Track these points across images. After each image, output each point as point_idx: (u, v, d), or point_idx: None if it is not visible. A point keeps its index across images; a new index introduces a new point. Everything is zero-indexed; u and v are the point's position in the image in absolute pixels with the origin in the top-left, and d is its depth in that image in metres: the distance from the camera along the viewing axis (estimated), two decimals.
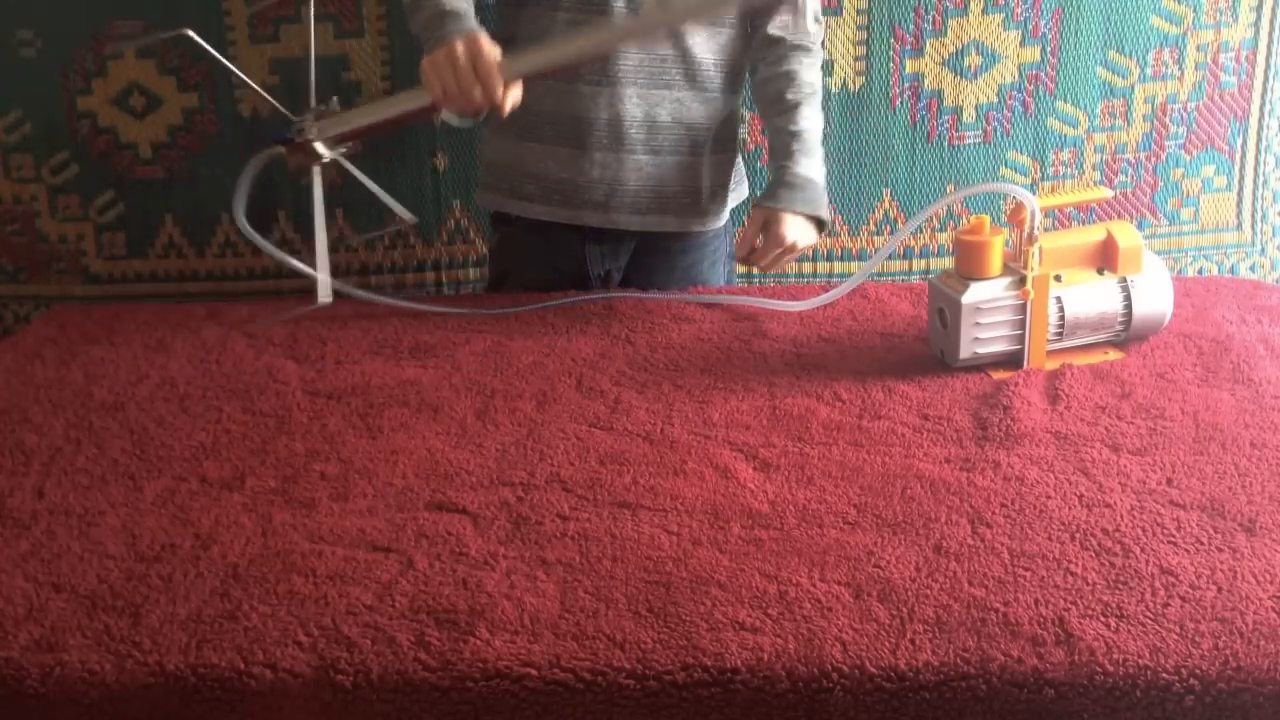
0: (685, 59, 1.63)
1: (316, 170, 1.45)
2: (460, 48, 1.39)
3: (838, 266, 2.09)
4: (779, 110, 1.67)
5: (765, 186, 1.67)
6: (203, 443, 1.31)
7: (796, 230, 1.61)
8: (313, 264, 1.48)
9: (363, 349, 1.52)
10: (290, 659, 0.96)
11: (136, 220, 2.06)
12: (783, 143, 1.66)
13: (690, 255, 1.76)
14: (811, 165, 1.64)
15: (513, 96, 1.41)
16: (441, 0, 1.50)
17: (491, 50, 1.39)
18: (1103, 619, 0.95)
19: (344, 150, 1.45)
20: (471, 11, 1.51)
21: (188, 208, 2.06)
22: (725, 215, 1.78)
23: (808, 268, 2.09)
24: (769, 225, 1.60)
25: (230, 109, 2.00)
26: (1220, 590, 0.98)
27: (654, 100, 1.63)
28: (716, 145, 1.71)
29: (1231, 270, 2.15)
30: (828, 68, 1.98)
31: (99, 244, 2.07)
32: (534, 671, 0.93)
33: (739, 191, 1.82)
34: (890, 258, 2.08)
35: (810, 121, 1.66)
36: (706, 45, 1.64)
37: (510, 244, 1.78)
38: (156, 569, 1.08)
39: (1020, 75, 1.99)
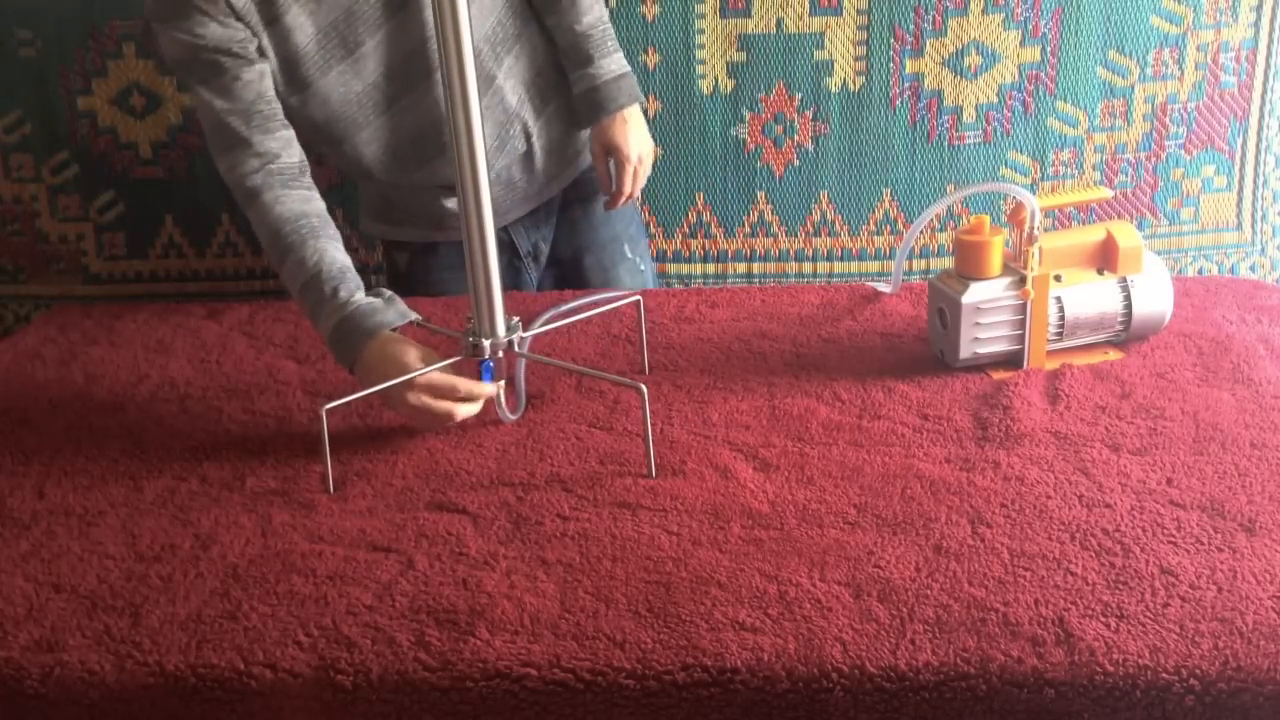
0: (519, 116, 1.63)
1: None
2: (411, 402, 1.26)
3: (838, 266, 2.09)
4: (554, 10, 1.59)
5: (577, 101, 1.61)
6: (203, 443, 1.31)
7: (638, 135, 1.61)
8: None
9: None
10: (290, 659, 0.96)
11: (136, 220, 2.06)
12: (571, 44, 1.60)
13: (599, 193, 1.75)
14: (614, 60, 1.61)
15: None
16: (346, 303, 1.33)
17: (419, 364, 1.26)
18: (1103, 619, 0.95)
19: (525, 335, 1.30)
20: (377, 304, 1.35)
21: (188, 208, 2.06)
22: None
23: (808, 268, 2.09)
24: (614, 149, 1.60)
25: None
26: (1220, 590, 0.98)
27: (516, 105, 1.62)
28: (561, 82, 1.67)
29: (1231, 270, 2.15)
30: (828, 68, 1.98)
31: (99, 244, 2.07)
32: (534, 671, 0.93)
33: None
34: (889, 257, 2.08)
35: (594, 15, 1.60)
36: (517, 72, 1.62)
37: (427, 258, 1.74)
38: (156, 569, 1.08)
39: (1020, 75, 1.99)
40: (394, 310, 1.34)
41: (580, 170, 1.74)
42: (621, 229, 1.79)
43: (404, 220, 1.72)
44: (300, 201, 1.42)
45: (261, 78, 1.44)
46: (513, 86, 1.60)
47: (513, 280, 1.74)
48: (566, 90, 1.66)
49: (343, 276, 1.36)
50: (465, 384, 1.27)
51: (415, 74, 1.53)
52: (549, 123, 1.66)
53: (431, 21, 1.46)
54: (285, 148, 1.44)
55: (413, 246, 1.75)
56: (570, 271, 1.77)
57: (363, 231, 1.85)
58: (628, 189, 1.63)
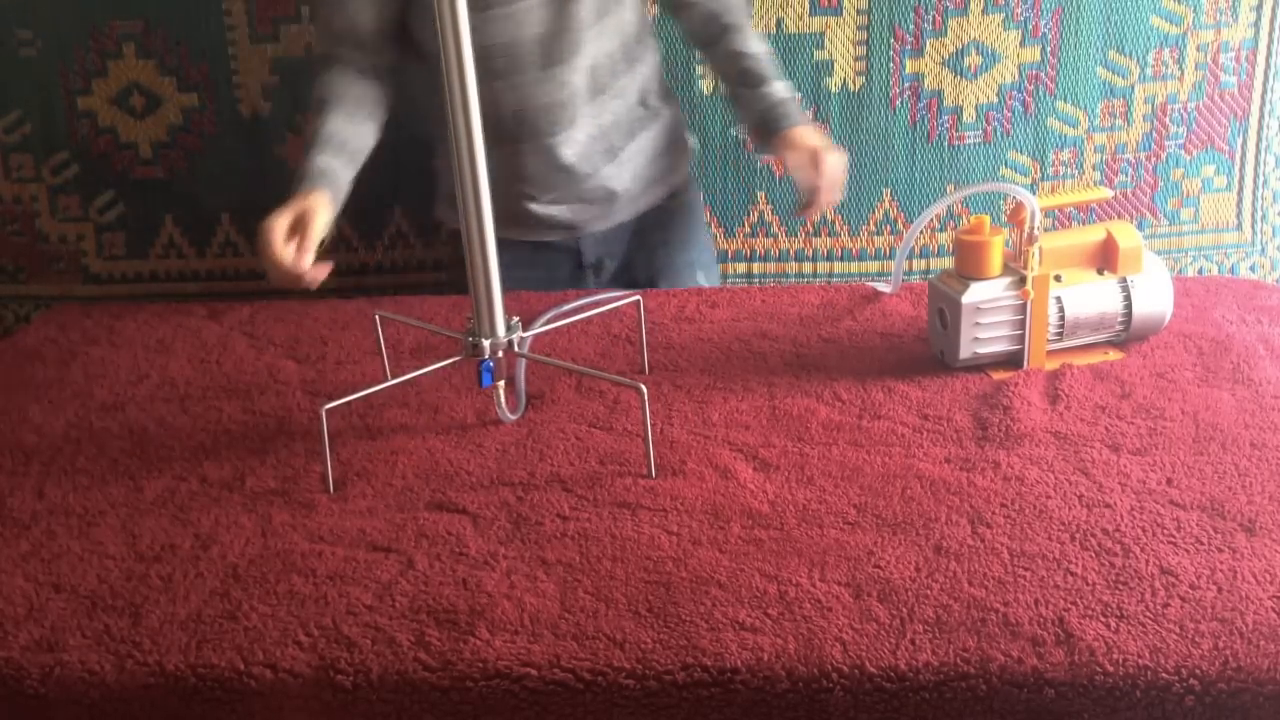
0: (630, 60, 1.67)
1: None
2: (265, 232, 1.41)
3: (838, 266, 2.09)
4: (724, 37, 1.68)
5: (758, 120, 1.66)
6: (203, 443, 1.31)
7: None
8: None
9: (363, 349, 1.52)
10: (290, 659, 0.96)
11: (136, 220, 2.07)
12: (744, 69, 1.66)
13: (682, 220, 1.81)
14: (784, 83, 1.67)
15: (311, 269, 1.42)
16: (308, 158, 1.51)
17: (279, 243, 1.40)
18: (1103, 619, 0.95)
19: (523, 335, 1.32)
20: (333, 170, 1.51)
21: (188, 208, 2.06)
22: (695, 146, 1.84)
23: (808, 268, 2.09)
24: (819, 149, 1.58)
25: (230, 109, 2.00)
26: (1220, 590, 0.98)
27: (615, 116, 1.67)
28: (665, 99, 1.77)
29: (1231, 270, 2.15)
30: (828, 68, 1.98)
31: (99, 244, 2.07)
32: (534, 671, 0.93)
33: (688, 146, 1.86)
34: (889, 257, 2.08)
35: (762, 44, 1.68)
36: (631, 36, 1.67)
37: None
38: (156, 569, 1.08)
39: (1020, 75, 2.00)
40: (313, 177, 1.48)
41: (661, 198, 1.79)
42: (696, 256, 1.84)
43: None
44: (344, 85, 1.57)
45: (361, 11, 1.55)
46: (615, 108, 1.67)
47: (570, 288, 1.77)
48: (663, 120, 1.74)
49: (326, 142, 1.51)
50: (280, 256, 1.39)
51: (526, 58, 1.59)
52: (640, 147, 1.72)
53: (577, 14, 1.57)
54: (362, 61, 1.59)
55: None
56: None
57: (437, 217, 1.86)
58: (835, 191, 1.60)
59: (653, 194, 1.77)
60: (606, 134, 1.68)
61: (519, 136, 1.64)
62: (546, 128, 1.64)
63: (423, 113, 1.67)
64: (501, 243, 1.74)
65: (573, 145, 1.65)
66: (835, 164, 1.59)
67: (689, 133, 1.86)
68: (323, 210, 1.45)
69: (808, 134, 1.62)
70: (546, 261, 1.76)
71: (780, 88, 1.65)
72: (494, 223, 1.72)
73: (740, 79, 1.67)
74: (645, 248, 1.80)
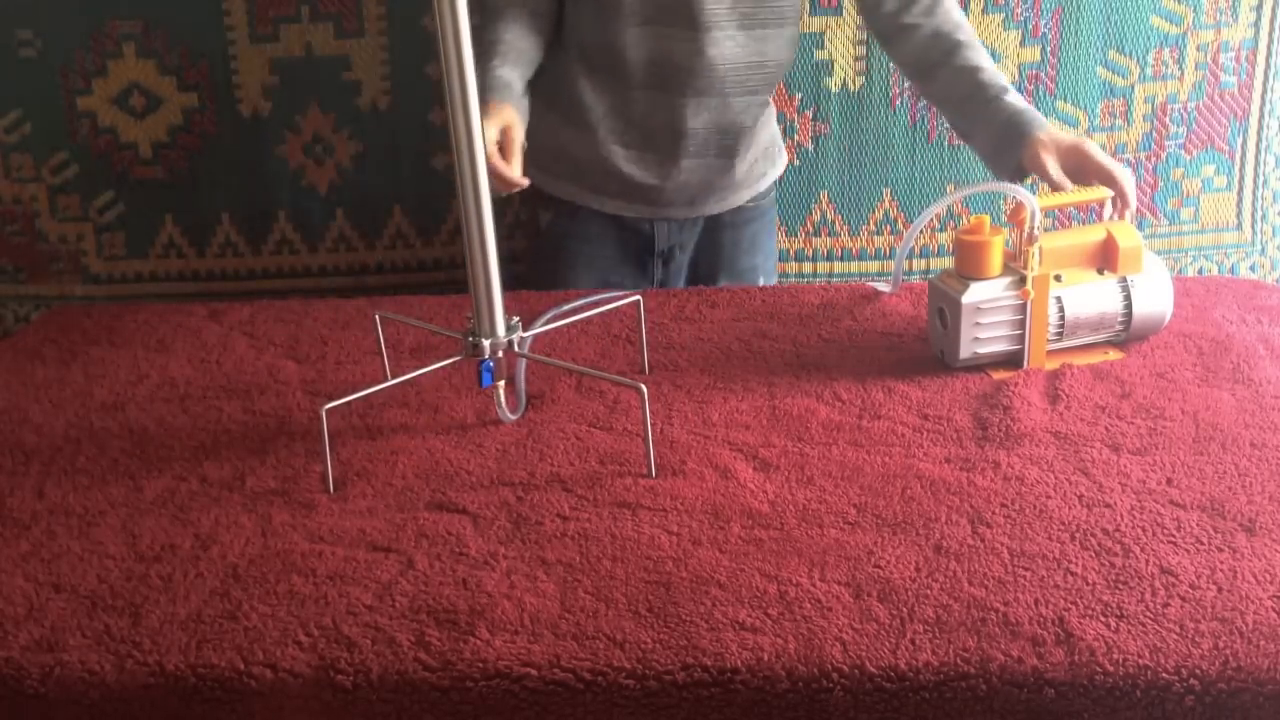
0: (770, 65, 1.68)
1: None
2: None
3: (838, 266, 2.09)
4: (959, 54, 1.61)
5: (1001, 131, 1.54)
6: (203, 443, 1.31)
7: None
8: None
9: (363, 349, 1.52)
10: (290, 659, 0.96)
11: (136, 220, 2.07)
12: (981, 82, 1.59)
13: (755, 224, 1.83)
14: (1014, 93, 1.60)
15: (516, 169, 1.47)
16: (490, 68, 1.56)
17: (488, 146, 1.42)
18: (1103, 619, 0.95)
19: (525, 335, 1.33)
20: (515, 82, 1.57)
21: (188, 208, 2.06)
22: (783, 164, 1.86)
23: (808, 268, 2.09)
24: (1076, 145, 1.50)
25: (230, 109, 2.00)
26: (1220, 590, 0.98)
27: (741, 106, 1.68)
28: (768, 112, 1.79)
29: (1231, 270, 2.15)
30: (828, 68, 1.98)
31: (99, 244, 2.08)
32: (534, 671, 0.93)
33: (783, 156, 1.87)
34: (889, 257, 2.08)
35: (988, 57, 1.63)
36: (784, 48, 1.68)
37: (569, 223, 1.78)
38: (156, 569, 1.08)
39: (1020, 75, 2.00)
40: (501, 89, 1.54)
41: (746, 199, 1.80)
42: (760, 261, 1.86)
43: (563, 175, 1.75)
44: (516, 37, 1.62)
45: None
46: (722, 119, 1.67)
47: (637, 274, 1.79)
48: (769, 128, 1.78)
49: (506, 52, 1.59)
50: (497, 164, 1.42)
51: (679, 15, 1.60)
52: (747, 145, 1.73)
53: None
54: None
55: (559, 205, 1.77)
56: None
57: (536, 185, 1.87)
58: (1122, 171, 1.50)
59: (742, 195, 1.79)
60: (752, 123, 1.70)
61: (667, 81, 1.64)
62: (750, 85, 1.66)
63: (572, 51, 1.69)
64: (573, 209, 1.77)
65: (749, 112, 1.68)
66: (1099, 150, 1.51)
67: (783, 143, 1.87)
68: (519, 122, 1.52)
69: (1059, 132, 1.53)
70: (620, 240, 1.77)
71: (1016, 95, 1.57)
72: (572, 185, 1.73)
73: (977, 93, 1.58)
74: (714, 245, 1.82)
